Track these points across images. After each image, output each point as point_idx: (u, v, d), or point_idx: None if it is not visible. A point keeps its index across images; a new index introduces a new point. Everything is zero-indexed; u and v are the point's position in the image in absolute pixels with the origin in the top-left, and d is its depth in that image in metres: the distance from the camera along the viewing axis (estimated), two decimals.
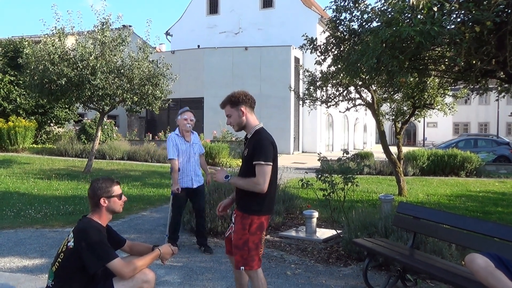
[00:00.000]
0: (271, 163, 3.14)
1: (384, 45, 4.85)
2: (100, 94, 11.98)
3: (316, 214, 6.16)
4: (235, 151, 17.91)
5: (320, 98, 10.21)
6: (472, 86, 6.38)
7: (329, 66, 7.88)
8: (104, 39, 12.07)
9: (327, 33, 7.50)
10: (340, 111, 11.01)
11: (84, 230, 2.88)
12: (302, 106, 11.49)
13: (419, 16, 4.51)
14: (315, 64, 7.89)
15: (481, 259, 2.90)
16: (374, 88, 9.55)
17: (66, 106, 21.00)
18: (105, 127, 19.74)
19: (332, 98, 9.95)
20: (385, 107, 11.47)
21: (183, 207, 5.54)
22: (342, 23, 6.75)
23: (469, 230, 3.78)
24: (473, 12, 4.34)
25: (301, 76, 11.71)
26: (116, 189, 3.07)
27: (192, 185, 5.34)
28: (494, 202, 9.29)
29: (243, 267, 3.16)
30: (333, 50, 7.40)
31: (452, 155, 14.61)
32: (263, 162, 3.09)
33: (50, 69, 11.38)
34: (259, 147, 3.13)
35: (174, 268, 4.75)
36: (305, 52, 8.24)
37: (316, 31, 23.73)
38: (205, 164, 5.70)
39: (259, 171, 3.10)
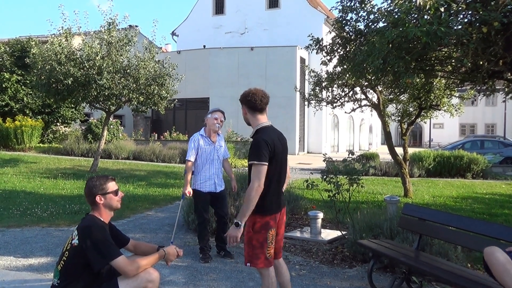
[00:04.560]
0: (266, 163, 3.11)
1: (390, 45, 4.84)
2: (106, 94, 12.04)
3: (321, 215, 6.13)
4: (240, 151, 17.92)
5: (326, 98, 10.18)
6: (479, 87, 6.33)
7: (335, 66, 7.88)
8: (110, 39, 12.13)
9: (333, 34, 7.50)
10: (345, 112, 10.98)
11: (88, 228, 2.89)
12: (308, 106, 11.46)
13: (425, 17, 4.48)
14: (321, 64, 7.90)
15: (501, 254, 2.90)
16: (380, 89, 9.52)
17: (73, 105, 21.10)
18: (111, 126, 19.83)
19: (338, 98, 9.92)
20: (391, 108, 11.43)
21: (207, 211, 5.20)
22: (348, 23, 6.75)
23: (475, 232, 3.76)
24: (481, 12, 4.31)
25: (306, 77, 11.69)
26: (111, 186, 3.06)
27: (215, 190, 5.14)
28: (500, 204, 9.22)
29: (248, 264, 3.22)
30: (339, 50, 7.40)
31: (458, 157, 14.52)
32: (256, 162, 3.11)
33: (57, 69, 11.45)
34: (253, 147, 3.18)
35: (179, 268, 4.75)
36: (311, 52, 8.25)
37: (322, 31, 23.68)
38: (230, 169, 5.44)
39: (253, 172, 3.13)
